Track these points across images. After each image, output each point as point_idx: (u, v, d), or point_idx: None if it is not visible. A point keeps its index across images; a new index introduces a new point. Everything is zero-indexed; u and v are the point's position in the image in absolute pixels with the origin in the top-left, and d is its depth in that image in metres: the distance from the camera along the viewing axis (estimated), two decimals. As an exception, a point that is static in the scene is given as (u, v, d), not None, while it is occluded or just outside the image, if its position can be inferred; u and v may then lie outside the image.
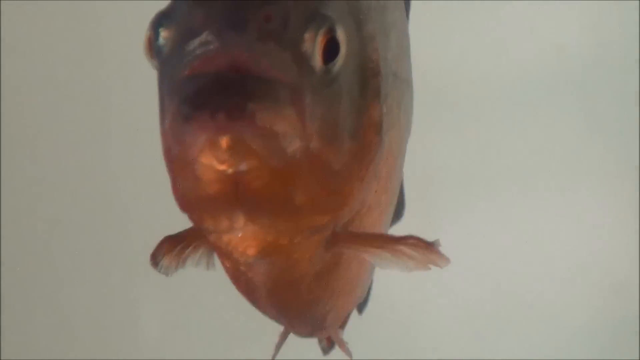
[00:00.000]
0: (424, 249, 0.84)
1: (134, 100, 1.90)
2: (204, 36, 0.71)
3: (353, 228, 0.87)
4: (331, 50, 0.75)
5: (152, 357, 2.34)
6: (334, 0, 0.76)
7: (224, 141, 0.70)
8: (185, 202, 0.78)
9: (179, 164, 0.75)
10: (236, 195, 0.73)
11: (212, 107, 0.69)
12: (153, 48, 0.76)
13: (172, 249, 0.91)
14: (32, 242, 2.49)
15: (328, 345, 1.21)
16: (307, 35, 0.73)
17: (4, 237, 2.44)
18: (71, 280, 2.47)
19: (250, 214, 0.75)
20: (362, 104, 0.81)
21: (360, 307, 1.18)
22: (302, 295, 0.90)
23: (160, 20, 0.75)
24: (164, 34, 0.75)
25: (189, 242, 0.89)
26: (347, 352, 1.08)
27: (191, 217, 0.80)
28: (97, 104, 2.38)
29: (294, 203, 0.76)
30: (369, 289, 1.12)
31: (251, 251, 0.78)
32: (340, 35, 0.75)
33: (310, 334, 1.05)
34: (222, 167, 0.72)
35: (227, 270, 0.87)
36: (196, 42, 0.72)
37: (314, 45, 0.73)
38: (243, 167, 0.72)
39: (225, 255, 0.82)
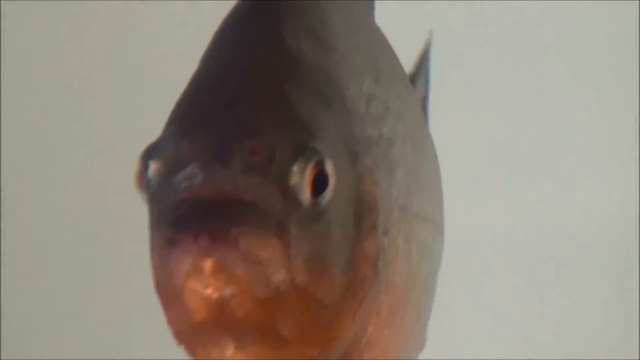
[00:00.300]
0: None
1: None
2: (189, 169, 0.72)
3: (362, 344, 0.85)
4: (320, 183, 0.75)
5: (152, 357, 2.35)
6: (326, 133, 0.77)
7: (207, 264, 0.69)
8: (179, 333, 0.78)
9: (168, 294, 0.75)
10: (223, 322, 0.73)
11: (195, 230, 0.69)
12: (143, 181, 0.77)
13: None
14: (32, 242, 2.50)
15: None
16: (295, 169, 0.73)
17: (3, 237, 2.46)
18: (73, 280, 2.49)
19: (238, 342, 0.75)
20: (356, 237, 0.80)
21: None
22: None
23: (149, 153, 0.76)
24: (152, 167, 0.75)
25: None
26: None
27: (186, 350, 0.79)
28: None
29: (281, 334, 0.76)
30: None
31: None
32: (330, 168, 0.75)
33: None
34: (207, 292, 0.71)
35: None
36: (182, 175, 0.72)
37: (302, 179, 0.73)
38: (227, 291, 0.71)
39: None
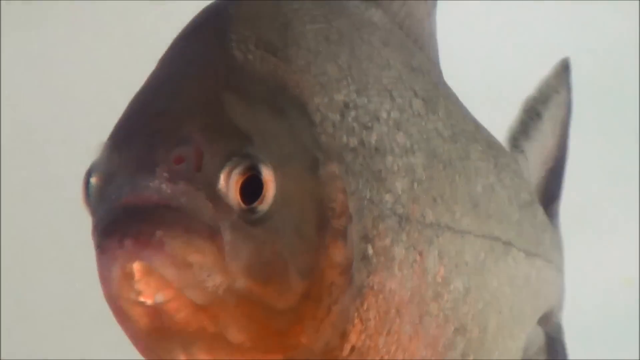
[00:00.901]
0: None
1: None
2: (118, 181, 0.74)
3: None
4: (253, 189, 0.75)
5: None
6: (270, 140, 0.77)
7: (136, 270, 0.70)
8: (135, 343, 0.78)
9: (113, 307, 0.76)
10: (166, 330, 0.74)
11: (119, 235, 0.71)
12: (86, 197, 0.79)
13: None
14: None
15: None
16: (222, 175, 0.74)
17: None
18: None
19: (186, 350, 0.75)
20: (319, 244, 0.79)
21: None
22: None
23: (90, 169, 0.78)
24: (92, 182, 0.77)
25: None
26: None
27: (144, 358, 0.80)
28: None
29: (229, 340, 0.75)
30: None
31: None
32: (267, 174, 0.75)
33: None
34: (140, 299, 0.72)
35: None
36: (113, 187, 0.74)
37: (228, 185, 0.74)
38: (160, 298, 0.72)
39: None
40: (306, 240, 0.77)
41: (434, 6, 1.02)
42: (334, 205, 0.79)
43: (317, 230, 0.78)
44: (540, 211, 1.11)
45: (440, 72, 1.04)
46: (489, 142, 1.06)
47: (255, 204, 0.74)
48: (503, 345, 1.00)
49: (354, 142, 0.83)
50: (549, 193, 1.22)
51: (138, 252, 0.71)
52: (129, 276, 0.71)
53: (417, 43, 0.98)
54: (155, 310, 0.73)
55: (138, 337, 0.77)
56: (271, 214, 0.75)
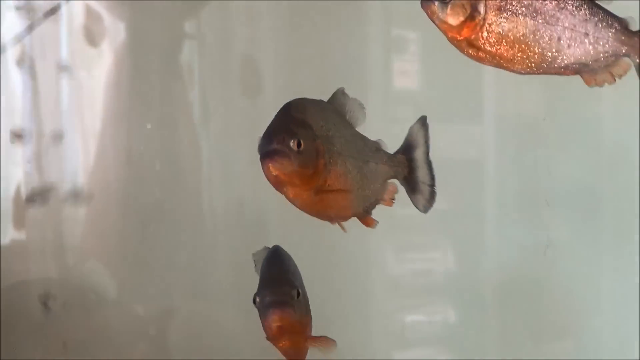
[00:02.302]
0: None
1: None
2: (264, 144, 1.73)
3: (325, 188, 1.83)
4: (298, 145, 1.75)
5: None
6: (303, 134, 1.76)
7: (271, 166, 1.72)
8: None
9: (264, 174, 1.77)
10: (276, 179, 1.73)
11: (265, 155, 1.73)
12: (258, 145, 1.77)
13: None
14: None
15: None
16: (291, 142, 1.73)
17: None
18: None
19: (287, 185, 1.76)
20: (317, 159, 1.80)
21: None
22: (316, 208, 1.86)
23: (260, 140, 1.77)
24: (259, 142, 1.76)
25: None
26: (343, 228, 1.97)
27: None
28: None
29: (295, 183, 1.77)
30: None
31: (289, 195, 1.78)
32: (302, 141, 1.74)
33: (332, 222, 1.96)
34: (272, 173, 1.71)
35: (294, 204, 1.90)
36: (262, 146, 1.72)
37: (293, 145, 1.73)
38: (276, 172, 1.71)
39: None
40: (312, 158, 1.77)
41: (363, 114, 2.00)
42: (319, 149, 1.80)
43: (315, 156, 1.78)
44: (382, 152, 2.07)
45: (349, 124, 2.01)
46: (365, 138, 2.03)
47: (299, 149, 1.74)
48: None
49: (328, 136, 1.85)
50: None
51: (269, 160, 1.71)
52: (269, 168, 1.70)
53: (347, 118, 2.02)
54: (275, 175, 1.70)
55: (269, 181, 1.76)
56: (302, 152, 1.73)
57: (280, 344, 1.91)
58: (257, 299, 1.90)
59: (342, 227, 1.96)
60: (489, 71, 2.63)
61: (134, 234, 2.95)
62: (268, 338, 1.89)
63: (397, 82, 2.74)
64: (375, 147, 2.04)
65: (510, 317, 2.77)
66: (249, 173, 2.43)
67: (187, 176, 2.93)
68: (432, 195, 2.07)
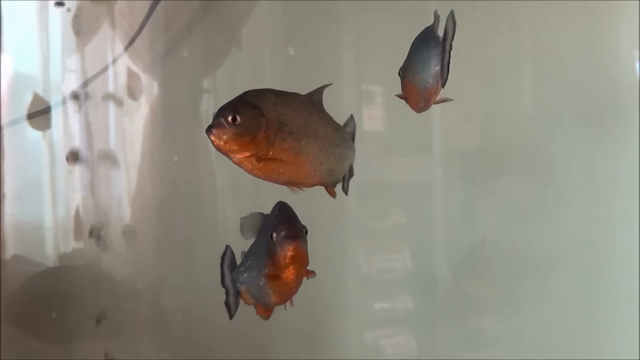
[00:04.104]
0: None
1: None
2: (214, 118, 1.93)
3: (268, 157, 1.99)
4: (234, 119, 1.92)
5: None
6: (246, 108, 1.94)
7: (209, 135, 1.94)
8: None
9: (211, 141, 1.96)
10: (217, 146, 1.92)
11: (212, 127, 1.91)
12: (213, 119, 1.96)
13: None
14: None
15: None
16: (230, 117, 1.92)
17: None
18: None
19: (227, 152, 1.96)
20: (256, 131, 1.94)
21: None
22: (262, 173, 2.03)
23: (215, 115, 1.95)
24: (214, 115, 1.96)
25: None
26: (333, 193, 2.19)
27: None
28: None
29: (233, 149, 1.92)
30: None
31: (234, 161, 1.95)
32: (238, 116, 1.93)
33: (291, 188, 2.13)
34: (212, 141, 1.93)
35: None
36: (215, 118, 1.92)
37: (229, 118, 1.93)
38: (213, 139, 1.90)
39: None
40: (253, 130, 1.94)
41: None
42: (279, 126, 1.99)
43: (257, 129, 1.94)
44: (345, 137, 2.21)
45: (320, 108, 2.16)
46: (340, 127, 2.17)
47: (236, 122, 1.90)
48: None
49: (281, 119, 2.01)
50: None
51: (208, 130, 1.86)
52: (208, 136, 1.87)
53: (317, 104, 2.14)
54: (218, 142, 1.90)
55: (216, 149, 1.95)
56: (239, 125, 1.91)
57: (288, 273, 2.13)
58: (275, 235, 2.10)
59: (294, 191, 2.22)
60: (436, 115, 3.05)
61: (165, 245, 3.32)
62: (278, 269, 2.11)
63: (366, 126, 3.07)
64: (338, 128, 2.27)
65: (454, 302, 3.22)
66: (251, 193, 2.88)
67: (204, 198, 3.33)
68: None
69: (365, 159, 2.38)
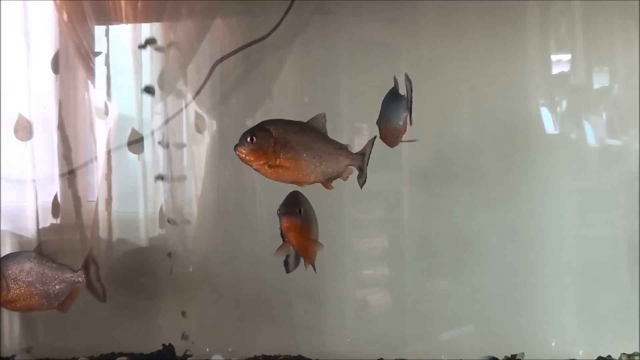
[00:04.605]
0: None
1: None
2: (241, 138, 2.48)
3: (276, 165, 2.43)
4: (251, 140, 2.47)
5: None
6: (260, 132, 2.45)
7: (236, 151, 2.51)
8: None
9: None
10: (241, 159, 2.47)
11: (239, 145, 2.49)
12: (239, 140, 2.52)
13: None
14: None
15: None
16: (248, 138, 2.49)
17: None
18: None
19: (248, 162, 2.46)
20: (267, 147, 2.42)
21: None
22: (273, 176, 2.44)
23: (241, 137, 2.53)
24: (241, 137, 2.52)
25: None
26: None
27: None
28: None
29: (251, 160, 2.45)
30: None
31: (253, 168, 2.45)
32: (255, 137, 2.45)
33: (298, 185, 2.57)
34: (238, 155, 2.48)
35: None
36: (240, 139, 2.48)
37: (248, 139, 2.47)
38: (239, 154, 2.47)
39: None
40: (264, 147, 2.43)
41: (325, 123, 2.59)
42: (271, 144, 2.46)
43: (267, 146, 2.42)
44: (340, 151, 2.59)
45: (324, 133, 2.57)
46: (332, 142, 2.56)
47: (253, 142, 2.41)
48: None
49: (283, 139, 2.46)
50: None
51: (236, 148, 2.43)
52: (236, 152, 2.42)
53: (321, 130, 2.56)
54: (241, 155, 2.42)
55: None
56: (255, 143, 2.41)
57: (289, 238, 2.56)
58: (278, 212, 2.53)
59: (301, 186, 2.56)
60: (403, 144, 3.14)
61: (220, 229, 4.06)
62: (284, 236, 2.54)
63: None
64: (340, 147, 2.60)
65: (417, 271, 3.93)
66: (280, 191, 2.85)
67: (246, 198, 4.01)
68: (365, 179, 2.69)
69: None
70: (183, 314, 3.98)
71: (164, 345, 3.94)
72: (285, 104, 4.00)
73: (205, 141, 4.10)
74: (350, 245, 4.05)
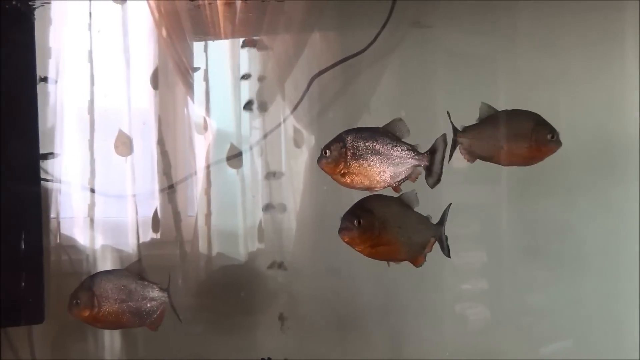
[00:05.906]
0: None
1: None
2: (342, 220, 2.49)
3: (376, 244, 2.48)
4: (358, 223, 2.51)
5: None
6: (365, 213, 2.49)
7: (341, 235, 2.52)
8: None
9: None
10: (346, 241, 2.53)
11: (341, 229, 2.48)
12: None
13: None
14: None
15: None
16: (355, 221, 2.50)
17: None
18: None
19: (351, 244, 2.56)
20: (371, 230, 2.49)
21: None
22: (373, 255, 2.51)
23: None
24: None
25: None
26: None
27: None
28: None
29: (357, 243, 2.53)
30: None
31: (355, 249, 2.52)
32: (362, 220, 2.53)
33: (389, 261, 2.63)
34: (342, 238, 2.52)
35: None
36: (341, 221, 2.47)
37: (355, 222, 2.52)
38: (344, 237, 2.51)
39: None
40: (370, 229, 2.47)
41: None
42: (375, 225, 2.51)
43: (372, 228, 2.49)
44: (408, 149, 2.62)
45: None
46: (415, 214, 2.64)
47: (359, 225, 2.45)
48: None
49: (382, 219, 2.53)
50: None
51: (340, 231, 2.45)
52: (340, 235, 2.44)
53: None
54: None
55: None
56: (362, 226, 2.47)
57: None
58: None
59: (389, 264, 2.65)
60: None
61: (319, 232, 4.11)
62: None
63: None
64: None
65: (516, 284, 3.95)
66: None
67: (342, 207, 3.34)
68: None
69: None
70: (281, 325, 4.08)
71: (262, 359, 3.96)
72: (382, 117, 3.69)
73: (303, 156, 4.19)
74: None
